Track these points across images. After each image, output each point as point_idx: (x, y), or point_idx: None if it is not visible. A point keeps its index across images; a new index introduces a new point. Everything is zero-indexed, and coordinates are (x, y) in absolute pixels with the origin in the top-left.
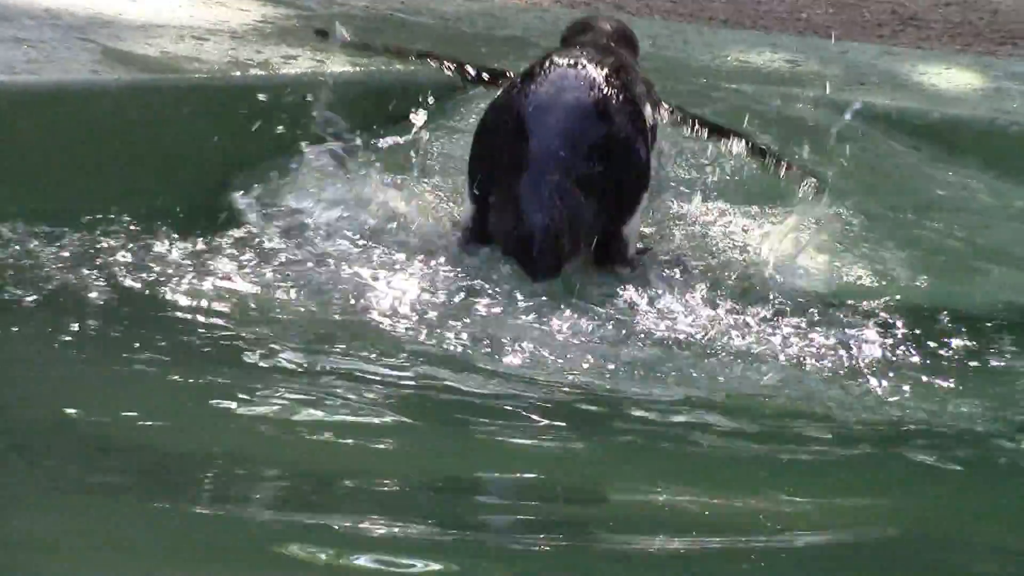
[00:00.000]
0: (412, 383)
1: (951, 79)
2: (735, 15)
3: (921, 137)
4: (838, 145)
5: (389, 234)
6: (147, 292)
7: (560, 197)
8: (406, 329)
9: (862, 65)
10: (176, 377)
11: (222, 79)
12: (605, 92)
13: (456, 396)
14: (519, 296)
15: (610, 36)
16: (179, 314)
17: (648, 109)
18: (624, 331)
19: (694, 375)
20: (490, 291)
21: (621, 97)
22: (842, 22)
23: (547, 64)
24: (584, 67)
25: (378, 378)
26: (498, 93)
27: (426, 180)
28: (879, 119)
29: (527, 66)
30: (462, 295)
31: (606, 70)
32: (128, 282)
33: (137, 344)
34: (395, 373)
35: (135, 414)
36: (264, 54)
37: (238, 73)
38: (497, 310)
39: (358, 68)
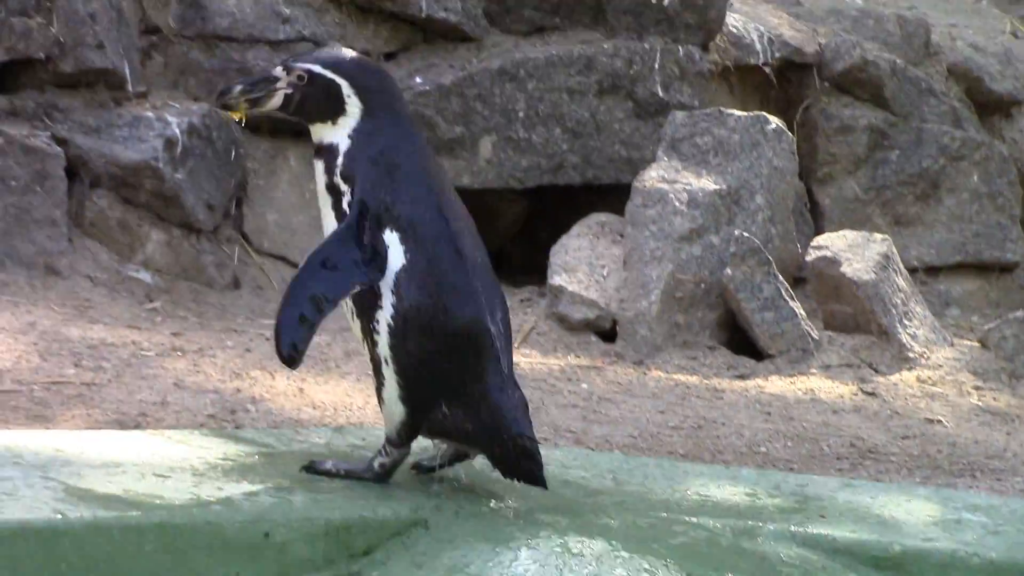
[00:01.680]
0: None
1: (911, 511)
2: (694, 449)
3: (883, 569)
4: None
5: None
6: None
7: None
8: None
9: (822, 498)
10: None
11: (184, 516)
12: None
13: None
14: None
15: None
16: None
17: None
18: None
19: None
20: None
21: None
22: (801, 456)
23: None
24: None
25: None
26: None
27: None
28: (840, 552)
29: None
30: None
31: None
32: None
33: None
34: None
35: None
36: (225, 491)
37: (199, 510)
38: None
39: (319, 500)
